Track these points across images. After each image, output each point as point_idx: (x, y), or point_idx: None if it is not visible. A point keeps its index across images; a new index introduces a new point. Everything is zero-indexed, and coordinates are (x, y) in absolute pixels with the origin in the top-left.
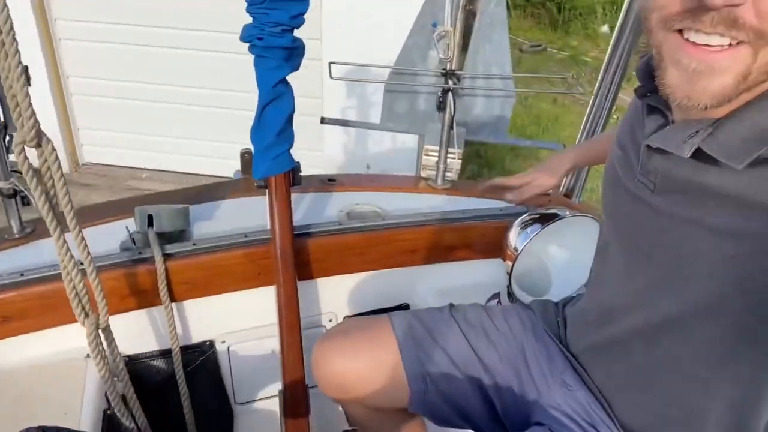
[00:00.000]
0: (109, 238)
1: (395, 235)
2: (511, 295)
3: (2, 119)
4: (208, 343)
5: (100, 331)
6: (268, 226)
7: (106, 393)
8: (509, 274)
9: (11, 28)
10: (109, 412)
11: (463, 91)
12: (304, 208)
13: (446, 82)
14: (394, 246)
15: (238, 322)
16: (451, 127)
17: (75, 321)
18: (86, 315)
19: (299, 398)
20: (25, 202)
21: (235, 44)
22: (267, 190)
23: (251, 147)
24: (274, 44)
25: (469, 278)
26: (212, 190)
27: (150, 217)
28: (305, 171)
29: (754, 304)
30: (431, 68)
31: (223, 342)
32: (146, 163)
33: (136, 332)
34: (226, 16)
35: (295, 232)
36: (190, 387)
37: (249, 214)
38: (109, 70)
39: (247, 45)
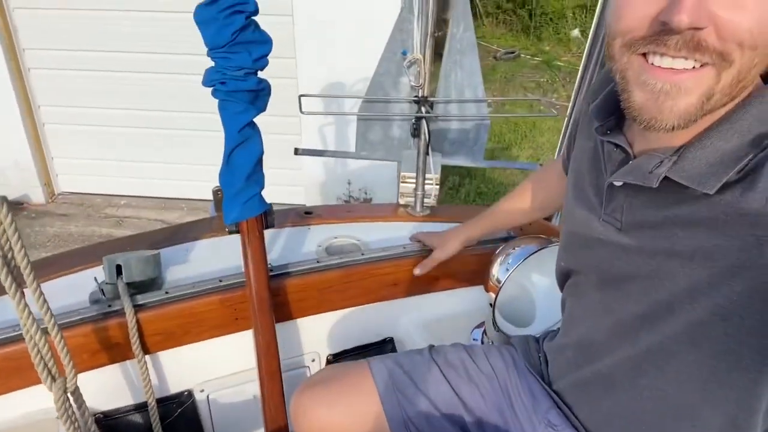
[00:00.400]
0: (77, 290)
1: (375, 269)
2: (495, 324)
3: None
4: (186, 393)
5: (69, 394)
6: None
7: None
8: (492, 306)
9: None
10: None
11: (437, 116)
12: (281, 244)
13: (419, 110)
14: (375, 280)
15: (216, 370)
16: (427, 153)
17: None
18: (53, 378)
19: None
20: None
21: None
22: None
23: None
24: (238, 88)
25: (453, 308)
26: (184, 231)
27: (119, 267)
28: (283, 188)
29: (736, 328)
30: (404, 95)
31: (202, 391)
32: (124, 190)
33: (110, 388)
34: (201, 39)
35: (272, 273)
36: None
37: (223, 255)
38: (81, 98)
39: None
